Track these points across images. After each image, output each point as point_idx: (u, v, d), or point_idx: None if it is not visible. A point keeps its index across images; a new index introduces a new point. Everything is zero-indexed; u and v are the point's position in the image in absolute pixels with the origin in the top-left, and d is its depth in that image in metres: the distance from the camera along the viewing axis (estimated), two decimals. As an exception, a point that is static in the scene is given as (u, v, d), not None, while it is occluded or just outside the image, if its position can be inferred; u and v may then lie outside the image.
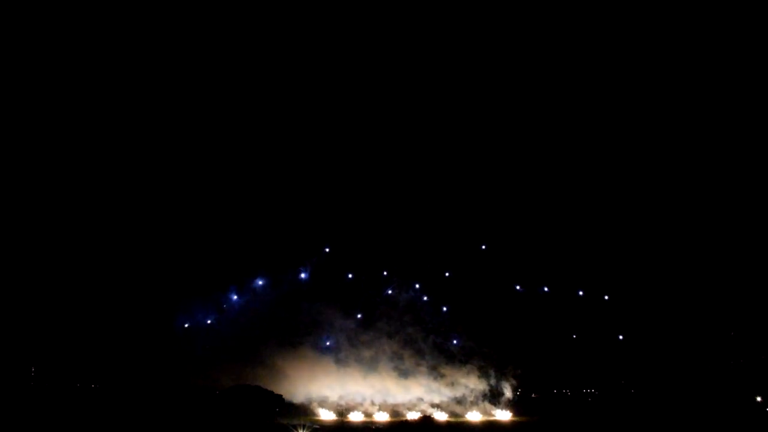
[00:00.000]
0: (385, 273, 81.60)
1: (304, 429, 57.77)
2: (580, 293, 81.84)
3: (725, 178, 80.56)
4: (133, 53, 78.54)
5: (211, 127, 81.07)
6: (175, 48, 79.41)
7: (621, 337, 79.79)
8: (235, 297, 79.58)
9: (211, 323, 78.45)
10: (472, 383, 76.07)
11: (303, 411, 70.90)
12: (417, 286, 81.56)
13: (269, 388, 71.23)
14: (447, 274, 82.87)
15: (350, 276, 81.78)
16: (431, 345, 78.04)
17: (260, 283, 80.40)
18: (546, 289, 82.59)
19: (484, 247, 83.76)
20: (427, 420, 70.17)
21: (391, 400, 74.98)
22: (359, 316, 78.69)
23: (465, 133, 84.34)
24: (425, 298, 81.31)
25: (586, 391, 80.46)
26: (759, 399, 72.47)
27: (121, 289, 75.88)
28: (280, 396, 69.83)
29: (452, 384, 76.19)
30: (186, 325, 77.33)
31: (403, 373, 76.68)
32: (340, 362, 76.53)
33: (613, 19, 79.60)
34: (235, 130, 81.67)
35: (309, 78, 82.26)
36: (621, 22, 79.67)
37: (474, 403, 75.10)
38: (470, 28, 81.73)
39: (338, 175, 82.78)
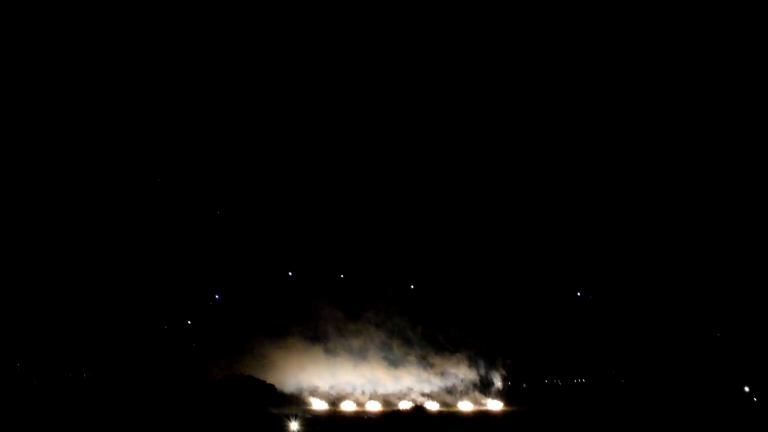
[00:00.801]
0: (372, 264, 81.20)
1: (296, 419, 57.37)
2: (571, 282, 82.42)
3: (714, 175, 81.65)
4: (128, 53, 78.09)
5: (207, 125, 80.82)
6: (163, 48, 78.90)
7: (611, 326, 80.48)
8: (223, 288, 78.95)
9: (199, 314, 77.71)
10: (462, 373, 76.15)
11: (294, 401, 70.72)
12: (404, 275, 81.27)
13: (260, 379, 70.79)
14: (433, 264, 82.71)
15: (338, 265, 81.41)
16: (419, 335, 77.86)
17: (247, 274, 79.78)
18: (536, 279, 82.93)
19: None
20: (419, 410, 70.11)
21: (381, 390, 74.91)
22: (346, 305, 78.17)
23: (457, 125, 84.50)
24: (412, 288, 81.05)
25: (577, 381, 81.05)
26: (747, 389, 73.63)
27: (112, 281, 75.07)
28: (272, 386, 69.37)
29: (442, 374, 76.17)
30: (176, 317, 76.58)
31: (393, 363, 76.45)
32: (329, 352, 76.15)
33: (613, 19, 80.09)
34: (231, 127, 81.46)
35: (304, 76, 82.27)
36: (621, 22, 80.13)
37: (464, 393, 75.24)
38: (468, 28, 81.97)
39: (329, 165, 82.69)
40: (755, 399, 72.52)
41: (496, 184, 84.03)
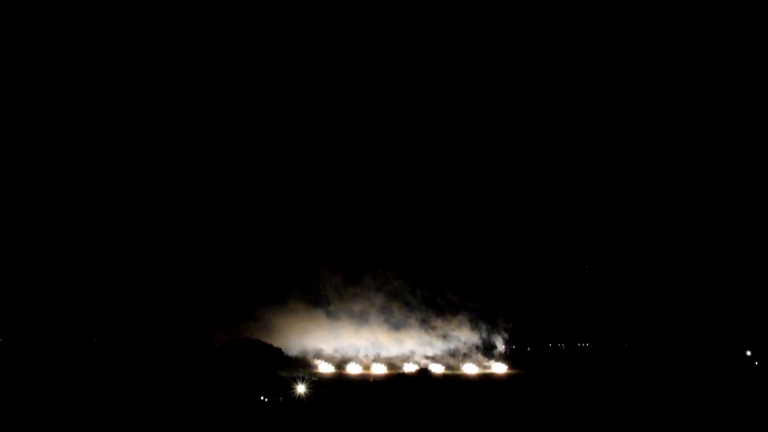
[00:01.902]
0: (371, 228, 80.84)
1: (303, 381, 57.59)
2: (574, 246, 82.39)
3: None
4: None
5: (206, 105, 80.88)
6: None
7: (615, 290, 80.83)
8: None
9: (203, 279, 77.46)
10: (464, 336, 76.45)
11: (300, 364, 70.99)
12: (403, 239, 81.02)
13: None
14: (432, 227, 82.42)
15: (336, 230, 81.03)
16: (419, 298, 77.91)
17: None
18: (539, 242, 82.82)
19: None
20: (423, 373, 70.55)
21: (385, 353, 75.30)
22: (346, 270, 78.00)
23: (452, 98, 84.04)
24: (411, 252, 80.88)
25: (581, 345, 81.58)
26: (749, 353, 74.52)
27: (119, 250, 75.75)
28: (279, 349, 69.48)
29: (444, 337, 76.47)
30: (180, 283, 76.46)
31: (395, 327, 76.65)
32: (331, 316, 76.33)
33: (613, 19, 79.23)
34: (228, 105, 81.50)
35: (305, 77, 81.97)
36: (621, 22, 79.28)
37: (468, 356, 75.67)
38: (465, 29, 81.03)
39: (327, 134, 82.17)
40: (756, 363, 73.51)
41: (496, 148, 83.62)
